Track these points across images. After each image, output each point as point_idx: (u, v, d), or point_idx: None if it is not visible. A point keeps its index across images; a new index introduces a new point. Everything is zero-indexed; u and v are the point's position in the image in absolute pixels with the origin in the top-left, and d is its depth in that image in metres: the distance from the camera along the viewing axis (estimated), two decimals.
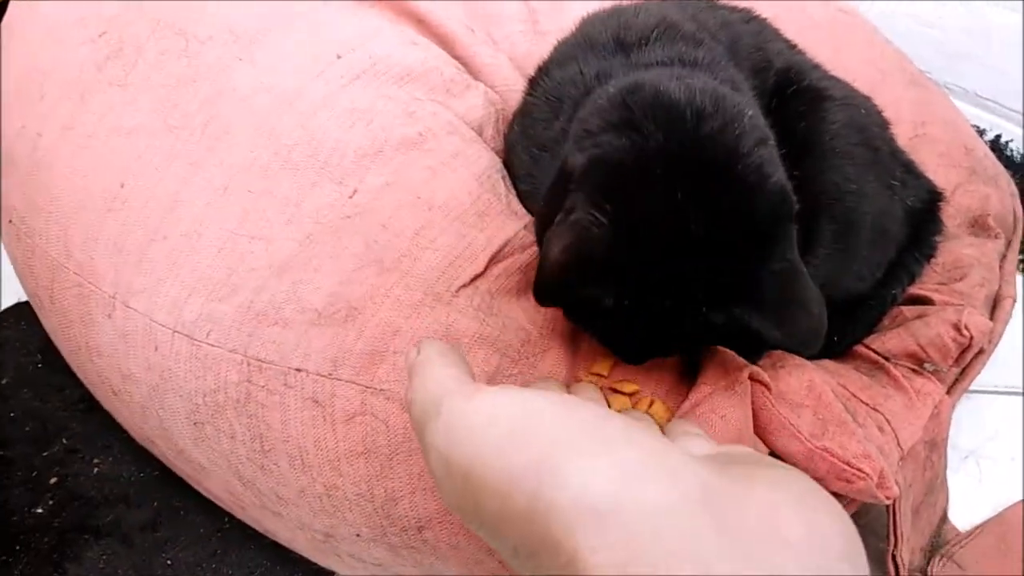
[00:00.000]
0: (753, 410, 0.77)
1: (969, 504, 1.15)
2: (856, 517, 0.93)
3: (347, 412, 0.69)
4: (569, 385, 0.72)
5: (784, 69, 1.00)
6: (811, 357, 0.95)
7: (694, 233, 0.63)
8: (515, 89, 1.02)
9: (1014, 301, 1.09)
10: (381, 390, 0.69)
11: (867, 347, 1.02)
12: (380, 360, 0.70)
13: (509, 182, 0.91)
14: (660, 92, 0.70)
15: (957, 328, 0.97)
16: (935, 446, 0.99)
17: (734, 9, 1.07)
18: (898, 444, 0.90)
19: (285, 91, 0.86)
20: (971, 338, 0.96)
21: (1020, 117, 1.37)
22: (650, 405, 0.78)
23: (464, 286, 0.75)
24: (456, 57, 1.03)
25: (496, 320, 0.74)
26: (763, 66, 0.98)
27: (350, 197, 0.79)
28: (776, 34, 1.07)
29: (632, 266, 0.64)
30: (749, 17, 1.06)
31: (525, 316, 0.77)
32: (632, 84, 0.74)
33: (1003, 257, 1.13)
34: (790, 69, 1.00)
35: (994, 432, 1.24)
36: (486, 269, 0.78)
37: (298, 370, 0.70)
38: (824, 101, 0.97)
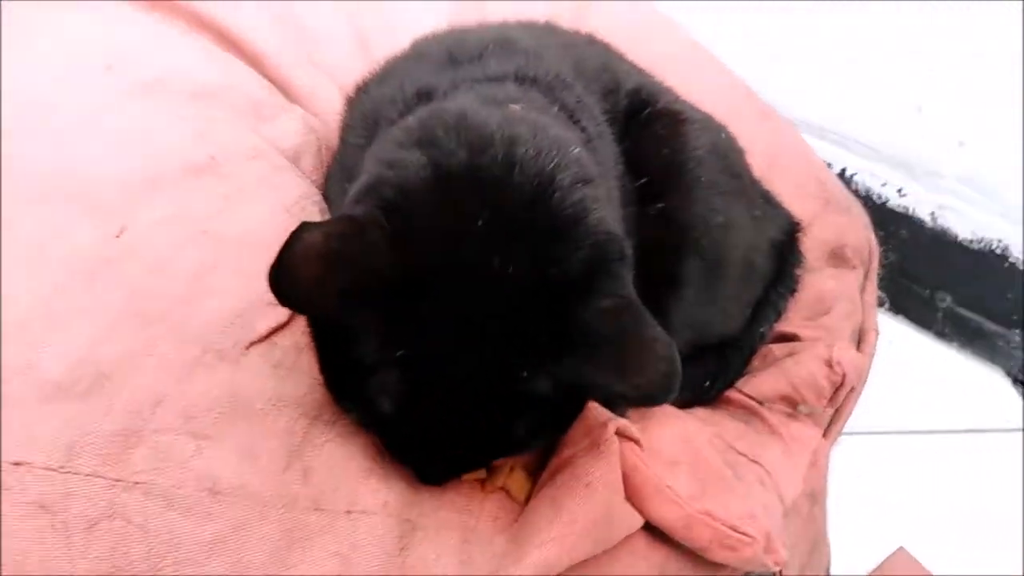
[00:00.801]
0: (623, 472, 0.65)
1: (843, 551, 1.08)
2: None
3: (88, 517, 0.50)
4: None
5: (635, 90, 0.92)
6: (683, 405, 0.86)
7: (497, 270, 0.51)
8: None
9: (877, 334, 1.05)
10: (137, 483, 0.51)
11: (739, 391, 0.93)
12: (136, 442, 0.52)
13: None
14: (469, 114, 0.59)
15: (829, 365, 0.90)
16: (816, 498, 0.90)
17: (576, 32, 1.00)
18: (780, 499, 0.80)
19: (35, 104, 0.68)
20: (844, 375, 0.89)
21: (865, 149, 1.38)
22: (509, 474, 0.64)
23: (259, 340, 0.59)
24: (268, 78, 0.88)
25: (302, 376, 0.59)
26: (612, 87, 0.90)
27: (116, 237, 0.62)
28: (621, 56, 0.99)
29: (417, 300, 0.50)
30: (592, 40, 0.99)
31: None
32: (439, 107, 0.63)
33: (862, 289, 1.09)
34: (641, 90, 0.92)
35: (856, 474, 1.18)
36: (291, 319, 0.62)
37: (17, 464, 0.51)
38: (683, 124, 0.90)
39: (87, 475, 0.51)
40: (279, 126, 0.81)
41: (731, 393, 0.93)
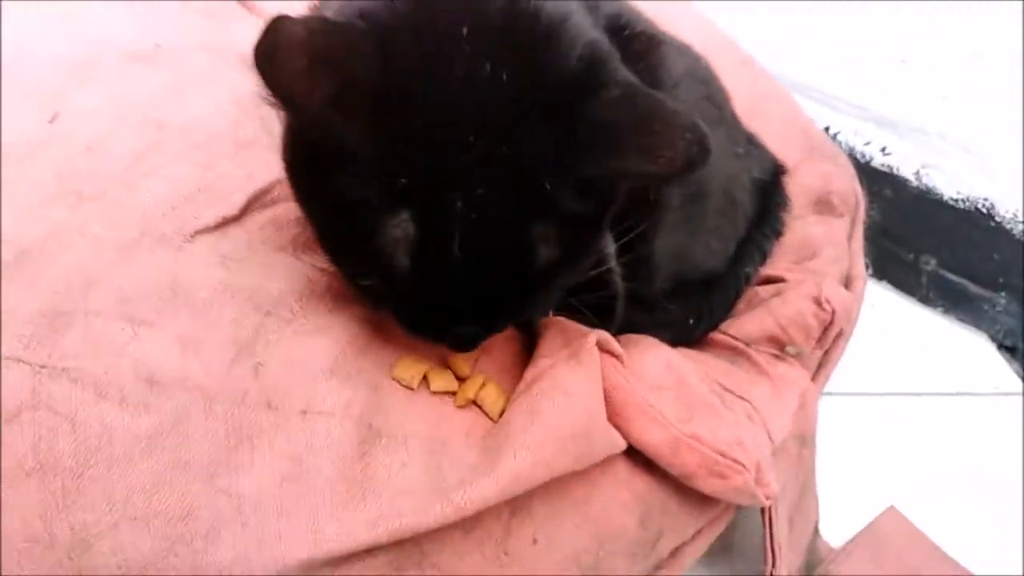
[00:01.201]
0: (604, 390, 0.60)
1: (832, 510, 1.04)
2: (721, 538, 0.78)
3: (9, 408, 0.45)
4: None
5: (614, 14, 0.87)
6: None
7: (491, 78, 0.46)
8: None
9: (864, 281, 1.01)
10: (65, 369, 0.45)
11: (724, 333, 0.89)
12: (65, 325, 0.46)
13: None
14: None
15: (818, 302, 0.86)
16: (805, 441, 0.86)
17: None
18: (769, 436, 0.76)
19: None
20: (833, 312, 0.85)
21: (848, 106, 1.35)
22: (481, 387, 0.59)
23: (205, 230, 0.53)
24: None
25: (256, 269, 0.53)
26: (593, 4, 0.85)
27: (49, 122, 0.56)
28: None
29: (410, 117, 0.46)
30: None
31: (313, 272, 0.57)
32: None
33: (849, 236, 1.05)
34: (620, 15, 0.88)
35: (844, 435, 1.15)
36: (243, 213, 0.57)
37: None
38: (661, 45, 0.85)
39: (7, 358, 0.45)
40: (235, 30, 0.75)
41: (716, 335, 0.89)
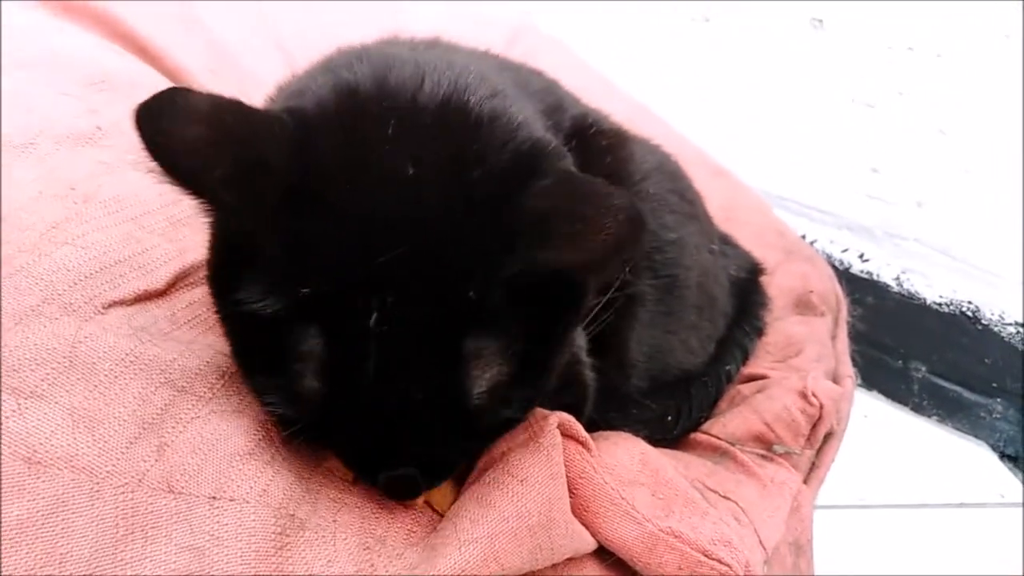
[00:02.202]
0: (569, 480, 0.54)
1: None
2: None
3: None
4: None
5: (581, 115, 0.87)
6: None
7: (413, 177, 0.43)
8: None
9: (853, 381, 0.96)
10: None
11: (706, 433, 0.82)
12: None
13: None
14: (377, 48, 0.54)
15: (804, 396, 0.80)
16: (801, 549, 0.78)
17: (522, 63, 0.97)
18: (760, 542, 0.68)
19: None
20: (821, 406, 0.80)
21: (823, 215, 1.35)
22: None
23: (121, 303, 0.49)
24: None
25: (174, 344, 0.48)
26: (557, 106, 0.85)
27: None
28: (565, 88, 0.96)
29: (321, 217, 0.42)
30: (538, 70, 0.95)
31: None
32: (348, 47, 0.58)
33: (833, 337, 1.01)
34: (587, 115, 0.88)
35: (842, 549, 1.06)
36: (169, 289, 0.52)
37: None
38: (629, 142, 0.85)
39: None
40: None
41: (697, 435, 0.83)
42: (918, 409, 1.35)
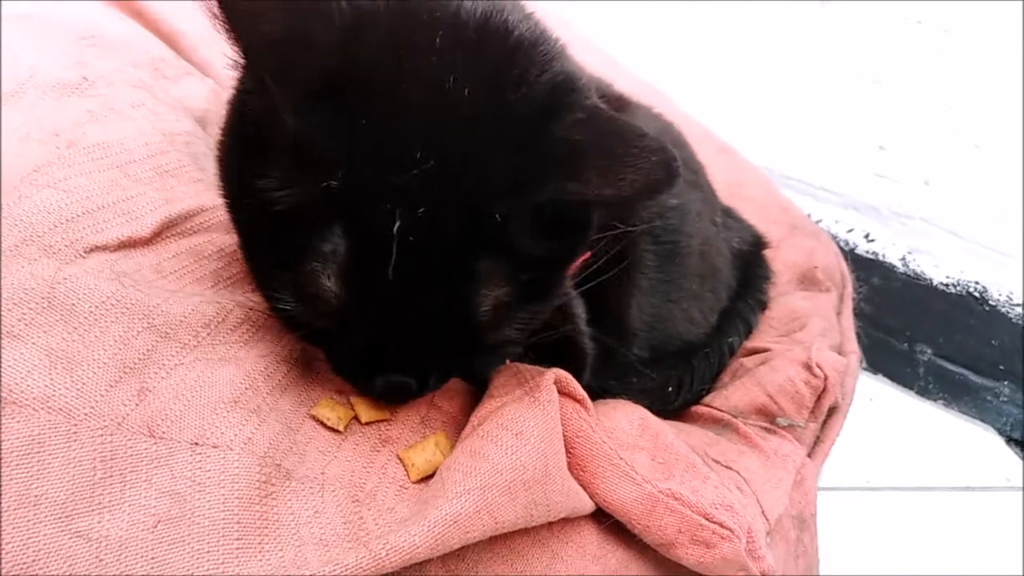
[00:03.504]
0: (565, 438, 0.52)
1: None
2: None
3: None
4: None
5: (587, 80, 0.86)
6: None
7: (452, 91, 0.42)
8: None
9: (859, 357, 0.94)
10: None
11: (708, 406, 0.81)
12: None
13: None
14: None
15: (808, 367, 0.78)
16: (805, 524, 0.76)
17: None
18: (762, 513, 0.67)
19: None
20: (825, 378, 0.78)
21: (828, 194, 1.33)
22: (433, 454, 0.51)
23: (104, 248, 0.47)
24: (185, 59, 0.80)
25: (157, 292, 0.46)
26: None
27: None
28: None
29: (360, 110, 0.41)
30: None
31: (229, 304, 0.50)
32: None
33: (839, 313, 0.99)
34: (591, 81, 0.86)
35: (846, 530, 1.05)
36: (155, 237, 0.51)
37: None
38: (629, 106, 0.84)
39: None
40: (183, 88, 0.72)
41: (699, 408, 0.81)
42: (924, 393, 1.33)
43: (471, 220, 0.43)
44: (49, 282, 0.42)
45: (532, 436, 0.48)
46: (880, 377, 1.37)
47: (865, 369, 1.38)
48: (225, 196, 0.49)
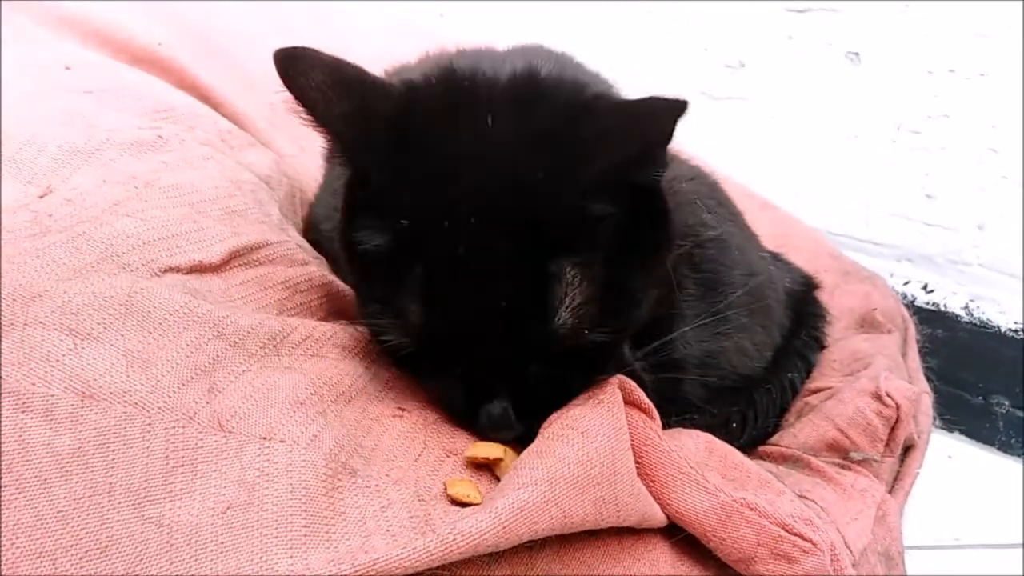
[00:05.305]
0: (633, 447, 0.51)
1: None
2: None
3: None
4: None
5: None
6: None
7: (488, 124, 0.49)
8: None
9: (931, 397, 0.91)
10: None
11: (777, 445, 0.78)
12: (5, 335, 0.41)
13: (294, 232, 0.70)
14: (482, 51, 0.63)
15: (878, 397, 0.76)
16: (893, 562, 0.72)
17: None
18: (845, 543, 0.63)
19: None
20: (897, 407, 0.75)
21: (880, 248, 1.31)
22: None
23: (176, 270, 0.49)
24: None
25: (225, 306, 0.48)
26: None
27: (39, 197, 0.55)
28: None
29: (420, 158, 0.49)
30: None
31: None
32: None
33: (904, 354, 0.96)
34: None
35: None
36: (223, 265, 0.53)
37: None
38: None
39: None
40: (247, 155, 0.77)
41: (766, 447, 0.78)
42: (1006, 448, 1.26)
43: (525, 225, 0.46)
44: (127, 292, 0.44)
45: (599, 435, 0.47)
46: (956, 434, 1.31)
47: (939, 427, 1.31)
48: (343, 248, 0.55)
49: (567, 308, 0.47)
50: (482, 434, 0.52)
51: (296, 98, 0.48)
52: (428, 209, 0.47)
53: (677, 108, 0.46)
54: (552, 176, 0.46)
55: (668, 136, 0.48)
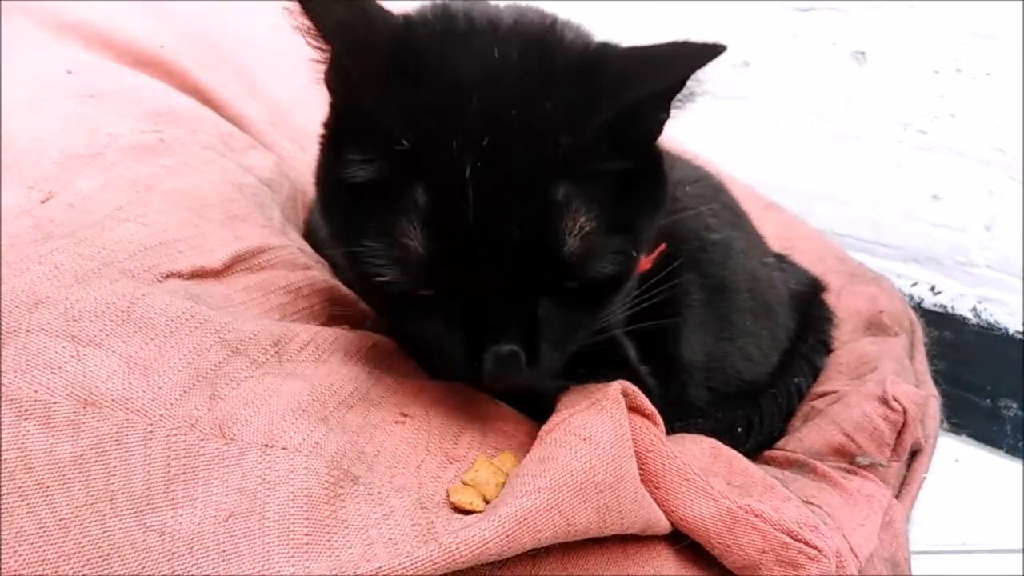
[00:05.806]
0: (636, 453, 0.51)
1: None
2: None
3: None
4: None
5: None
6: None
7: (495, 55, 0.48)
8: None
9: (938, 400, 0.90)
10: None
11: (783, 449, 0.78)
12: (7, 342, 0.41)
13: (296, 235, 0.70)
14: None
15: (884, 401, 0.75)
16: (899, 567, 0.71)
17: None
18: (851, 549, 0.63)
19: None
20: (904, 411, 0.74)
21: (887, 249, 1.30)
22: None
23: (178, 275, 0.49)
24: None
25: (226, 312, 0.48)
26: None
27: (41, 202, 0.55)
28: None
29: (425, 73, 0.47)
30: None
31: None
32: None
33: (911, 357, 0.95)
34: None
35: None
36: (225, 270, 0.53)
37: None
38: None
39: None
40: (249, 157, 0.77)
41: (772, 452, 0.78)
42: (1013, 451, 1.25)
43: (537, 149, 0.45)
44: (128, 298, 0.44)
45: (602, 441, 0.47)
46: (964, 437, 1.30)
47: (947, 430, 1.31)
48: (322, 185, 0.54)
49: (575, 236, 0.46)
50: (485, 384, 0.50)
51: (300, 5, 0.46)
52: (434, 131, 0.45)
53: (708, 44, 0.47)
54: (567, 110, 0.46)
55: (681, 83, 0.48)
